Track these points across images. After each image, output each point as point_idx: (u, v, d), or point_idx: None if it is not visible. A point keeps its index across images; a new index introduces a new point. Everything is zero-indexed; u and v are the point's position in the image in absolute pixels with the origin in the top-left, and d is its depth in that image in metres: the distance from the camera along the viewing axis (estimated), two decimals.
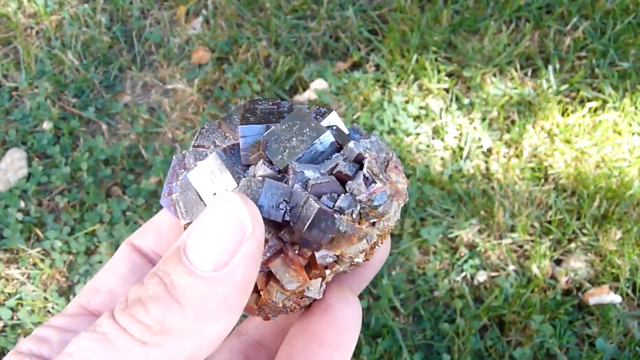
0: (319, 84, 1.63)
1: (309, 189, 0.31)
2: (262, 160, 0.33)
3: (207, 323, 0.26)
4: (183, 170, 0.36)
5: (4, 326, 1.30)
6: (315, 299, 0.35)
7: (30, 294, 1.32)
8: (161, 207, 0.38)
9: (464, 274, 1.36)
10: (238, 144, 0.35)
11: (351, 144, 0.33)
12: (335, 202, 0.31)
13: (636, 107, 1.60)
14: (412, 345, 1.28)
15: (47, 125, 1.56)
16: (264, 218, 0.30)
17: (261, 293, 0.34)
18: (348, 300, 0.34)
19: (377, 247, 0.35)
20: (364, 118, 1.56)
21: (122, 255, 0.39)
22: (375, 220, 0.33)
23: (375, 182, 0.32)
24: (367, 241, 0.34)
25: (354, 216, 0.32)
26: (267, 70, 1.66)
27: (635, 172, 1.48)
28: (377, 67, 1.68)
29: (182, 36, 1.74)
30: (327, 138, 0.33)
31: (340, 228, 0.31)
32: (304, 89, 1.63)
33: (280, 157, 0.33)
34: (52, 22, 1.76)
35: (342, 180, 0.32)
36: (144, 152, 1.53)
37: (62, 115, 1.59)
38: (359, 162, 0.33)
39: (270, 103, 0.37)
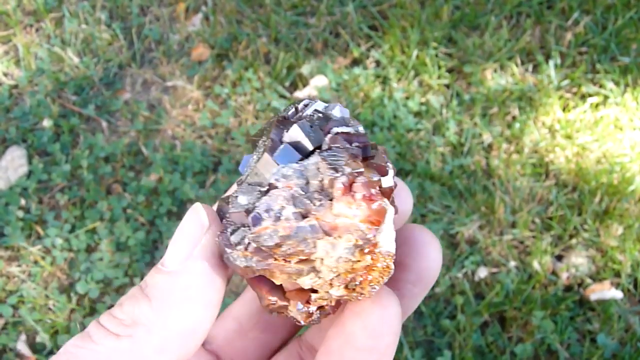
0: (319, 80, 1.63)
1: (227, 217, 0.31)
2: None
3: (171, 313, 0.29)
4: None
5: (5, 324, 1.30)
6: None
7: (31, 292, 1.32)
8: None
9: (464, 270, 1.36)
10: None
11: (273, 169, 0.30)
12: (232, 234, 0.30)
13: (638, 103, 1.59)
14: (413, 342, 1.28)
15: (47, 122, 1.56)
16: None
17: None
18: (383, 303, 0.32)
19: (370, 282, 0.31)
20: (365, 114, 1.56)
21: None
22: (293, 258, 0.29)
23: (262, 221, 0.29)
24: (318, 277, 0.30)
25: (249, 251, 0.29)
26: (267, 66, 1.66)
27: (637, 167, 1.48)
28: (378, 63, 1.68)
29: (182, 33, 1.74)
30: (258, 157, 0.31)
31: (237, 262, 0.29)
32: (304, 86, 1.63)
33: (242, 176, 0.32)
34: (51, 19, 1.76)
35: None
36: (144, 149, 1.53)
37: (62, 112, 1.59)
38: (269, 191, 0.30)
39: (293, 108, 0.33)
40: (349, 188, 0.29)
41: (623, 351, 1.25)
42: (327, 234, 0.29)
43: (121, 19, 1.78)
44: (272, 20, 1.72)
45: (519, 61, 1.67)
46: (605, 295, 1.32)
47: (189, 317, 0.29)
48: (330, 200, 0.29)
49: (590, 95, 1.61)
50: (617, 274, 1.36)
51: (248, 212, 0.29)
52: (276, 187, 0.29)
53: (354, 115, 1.57)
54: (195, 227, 0.30)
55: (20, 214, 1.41)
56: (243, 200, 0.30)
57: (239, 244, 0.29)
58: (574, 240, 1.40)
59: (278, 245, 0.28)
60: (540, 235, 1.39)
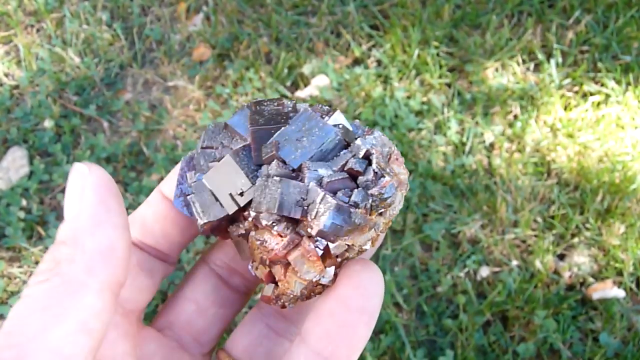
0: (320, 79, 1.62)
1: (325, 186, 0.34)
2: (275, 160, 0.36)
3: (86, 239, 0.31)
4: (193, 171, 0.39)
5: None
6: (328, 286, 0.38)
7: None
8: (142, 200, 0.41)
9: (466, 269, 1.36)
10: (248, 145, 0.38)
11: (358, 141, 0.36)
12: (349, 197, 0.34)
13: (639, 101, 1.59)
14: (415, 341, 1.28)
15: (48, 123, 1.56)
16: (284, 216, 0.34)
17: (279, 283, 0.37)
18: (371, 267, 0.36)
19: (380, 234, 0.38)
20: (366, 114, 1.55)
21: None
22: (383, 210, 0.35)
23: (384, 176, 0.34)
24: (375, 230, 0.36)
25: (367, 208, 0.34)
26: (268, 66, 1.66)
27: (639, 166, 1.48)
28: (379, 62, 1.68)
29: (183, 33, 1.74)
30: (335, 137, 0.36)
31: (356, 221, 0.34)
32: (305, 85, 1.63)
33: (293, 156, 0.35)
34: (52, 19, 1.76)
35: (354, 176, 0.35)
36: (146, 149, 1.53)
37: (63, 113, 1.59)
38: (367, 158, 0.36)
39: (275, 104, 0.39)
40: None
41: (625, 350, 1.25)
42: (397, 188, 0.36)
43: (122, 19, 1.78)
44: (273, 20, 1.72)
45: (520, 60, 1.66)
46: (608, 294, 1.32)
47: (102, 238, 0.32)
48: (387, 163, 0.36)
49: (591, 94, 1.61)
50: (620, 273, 1.36)
51: (353, 175, 0.35)
52: (372, 153, 0.35)
53: (355, 115, 1.57)
54: (78, 178, 0.33)
55: (22, 214, 1.41)
56: (324, 171, 0.35)
57: (361, 202, 0.34)
58: (576, 239, 1.40)
59: (391, 197, 0.35)
60: (542, 234, 1.39)
